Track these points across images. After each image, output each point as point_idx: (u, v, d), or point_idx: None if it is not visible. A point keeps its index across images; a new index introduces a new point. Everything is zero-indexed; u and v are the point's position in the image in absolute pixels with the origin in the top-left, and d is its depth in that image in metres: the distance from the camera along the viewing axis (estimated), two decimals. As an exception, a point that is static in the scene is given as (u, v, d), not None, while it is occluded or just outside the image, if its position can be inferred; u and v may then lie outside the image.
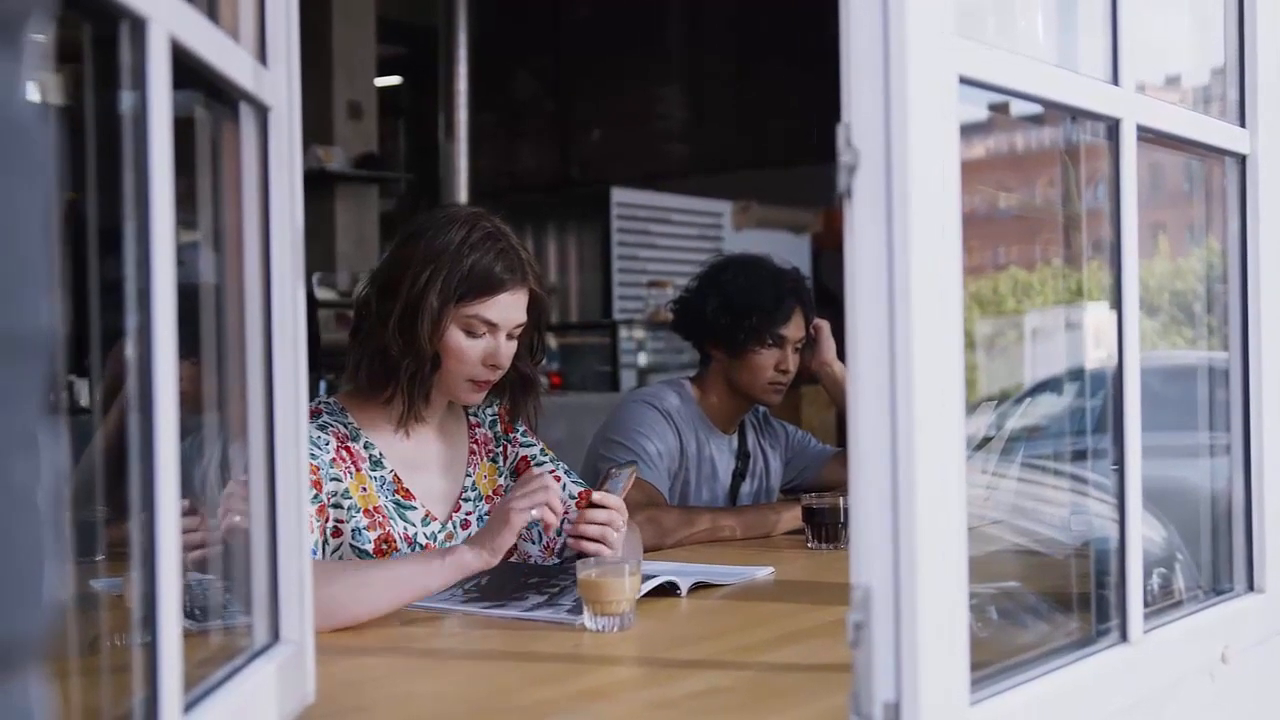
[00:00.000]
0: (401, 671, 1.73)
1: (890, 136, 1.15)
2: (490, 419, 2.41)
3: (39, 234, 0.55)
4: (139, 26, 0.98)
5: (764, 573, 2.33)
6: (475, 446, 2.37)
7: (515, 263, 2.19)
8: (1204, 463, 1.94)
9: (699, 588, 2.16)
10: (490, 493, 2.35)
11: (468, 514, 2.31)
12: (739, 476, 3.09)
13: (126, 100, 1.00)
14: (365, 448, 2.22)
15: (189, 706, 1.07)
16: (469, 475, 2.34)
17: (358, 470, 2.18)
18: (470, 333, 2.18)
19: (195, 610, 1.32)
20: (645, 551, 2.58)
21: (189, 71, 1.09)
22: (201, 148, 1.30)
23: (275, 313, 1.34)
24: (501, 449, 2.40)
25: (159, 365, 0.99)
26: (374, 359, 2.19)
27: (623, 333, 7.34)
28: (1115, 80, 1.50)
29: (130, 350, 0.99)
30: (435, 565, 1.96)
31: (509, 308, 2.19)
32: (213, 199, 1.31)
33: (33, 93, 0.58)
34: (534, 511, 1.96)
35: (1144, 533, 1.54)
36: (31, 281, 0.54)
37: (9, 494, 0.52)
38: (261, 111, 1.33)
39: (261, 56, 1.33)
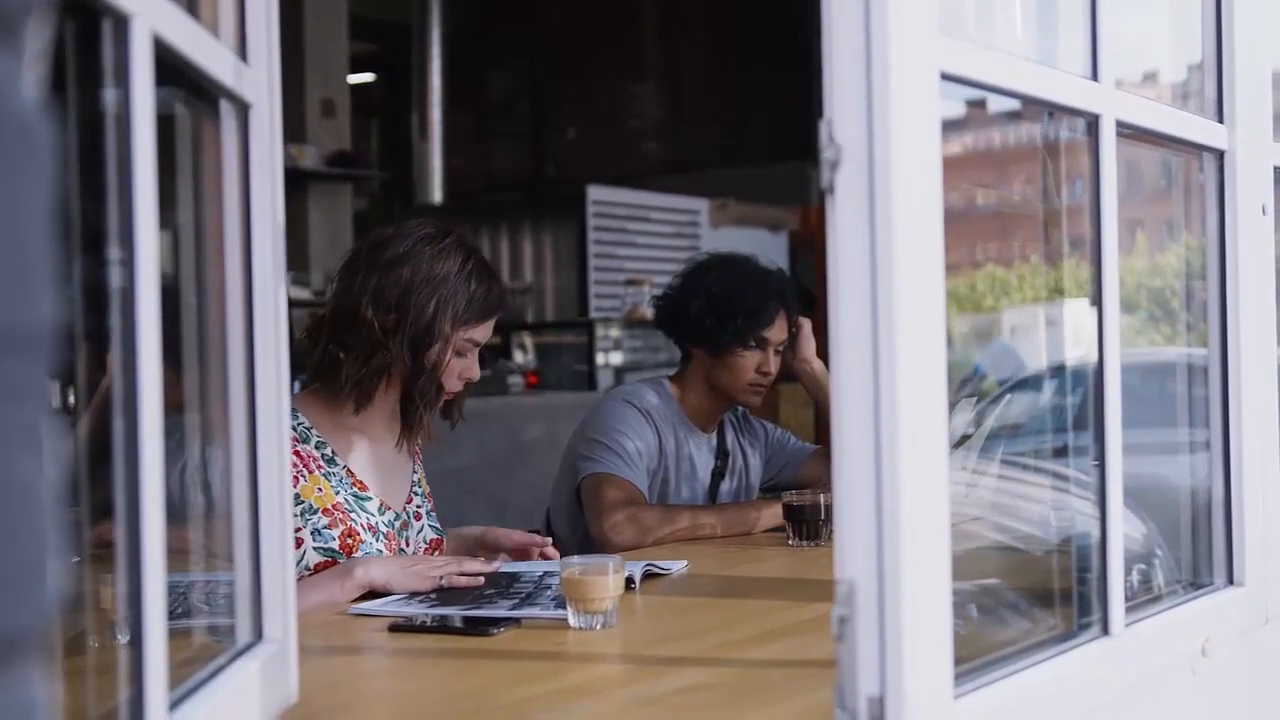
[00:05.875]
0: (385, 671, 1.73)
1: (873, 132, 1.15)
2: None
3: (42, 229, 0.55)
4: (122, 23, 0.97)
5: (678, 566, 2.35)
6: (417, 447, 2.45)
7: (502, 286, 2.32)
8: (1181, 458, 1.95)
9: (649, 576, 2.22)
10: (427, 492, 2.46)
11: (418, 507, 2.40)
12: (718, 475, 3.09)
13: (109, 97, 0.99)
14: (317, 447, 2.25)
15: (173, 705, 1.06)
16: (415, 472, 2.43)
17: (310, 472, 2.19)
18: (460, 353, 2.27)
19: (175, 609, 1.32)
20: (626, 550, 2.59)
21: (168, 68, 1.08)
22: (181, 145, 1.29)
23: (257, 312, 1.34)
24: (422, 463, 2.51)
25: (143, 367, 0.98)
26: (375, 377, 2.23)
27: (599, 331, 7.32)
28: (1095, 76, 1.50)
29: (114, 351, 0.98)
30: (335, 586, 2.06)
31: (492, 328, 2.32)
32: (192, 197, 1.31)
33: (33, 89, 0.57)
34: (441, 580, 2.10)
35: (1123, 529, 1.55)
36: (35, 276, 0.54)
37: (15, 488, 0.52)
38: (243, 109, 1.32)
39: (242, 53, 1.32)
